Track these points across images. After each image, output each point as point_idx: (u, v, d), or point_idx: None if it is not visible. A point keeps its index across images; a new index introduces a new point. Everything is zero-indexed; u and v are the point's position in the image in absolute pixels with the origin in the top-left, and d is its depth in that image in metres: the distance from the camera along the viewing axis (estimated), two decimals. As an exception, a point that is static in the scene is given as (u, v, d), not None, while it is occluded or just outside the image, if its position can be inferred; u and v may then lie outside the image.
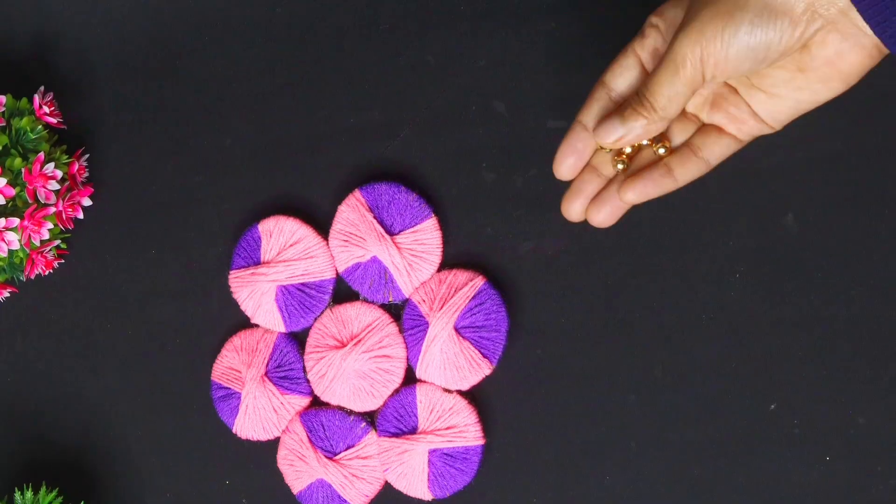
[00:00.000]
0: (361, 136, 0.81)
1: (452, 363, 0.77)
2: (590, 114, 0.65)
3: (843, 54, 0.60)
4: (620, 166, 0.65)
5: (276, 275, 0.80)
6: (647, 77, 0.63)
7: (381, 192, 0.79)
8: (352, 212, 0.79)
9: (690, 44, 0.60)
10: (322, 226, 0.81)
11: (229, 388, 0.80)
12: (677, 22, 0.63)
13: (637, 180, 0.64)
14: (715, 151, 0.65)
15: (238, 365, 0.80)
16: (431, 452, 0.77)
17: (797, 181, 0.77)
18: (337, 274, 0.80)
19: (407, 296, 0.79)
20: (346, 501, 0.79)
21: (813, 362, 0.77)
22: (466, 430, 0.77)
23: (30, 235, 0.76)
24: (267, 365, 0.80)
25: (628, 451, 0.78)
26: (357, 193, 0.79)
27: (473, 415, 0.78)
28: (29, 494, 0.76)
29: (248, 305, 0.80)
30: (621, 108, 0.63)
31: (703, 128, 0.66)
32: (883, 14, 0.58)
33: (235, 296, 0.81)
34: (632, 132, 0.63)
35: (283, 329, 0.80)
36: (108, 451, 0.82)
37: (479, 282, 0.78)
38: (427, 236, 0.79)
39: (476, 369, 0.77)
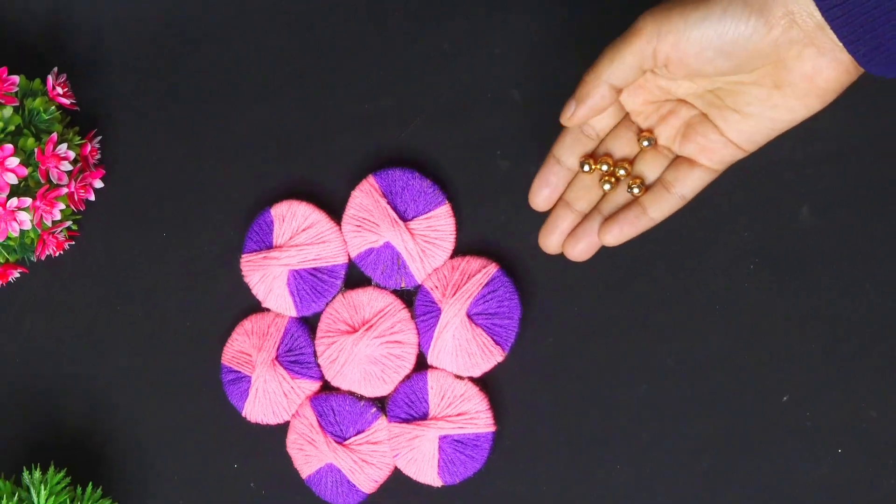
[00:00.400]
0: (375, 123, 0.80)
1: (464, 350, 0.77)
2: (563, 147, 0.67)
3: (820, 70, 0.59)
4: (607, 187, 0.66)
5: (289, 259, 0.79)
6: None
7: (395, 177, 0.79)
8: (365, 197, 0.79)
9: (651, 17, 0.60)
10: (335, 211, 0.80)
11: (239, 372, 0.80)
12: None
13: (613, 223, 0.66)
14: (688, 184, 0.66)
15: (248, 349, 0.80)
16: (442, 439, 0.77)
17: (813, 174, 0.77)
18: (349, 259, 0.80)
19: (419, 282, 0.79)
20: (355, 486, 0.78)
21: (826, 355, 0.77)
22: (477, 417, 0.77)
23: (41, 216, 0.75)
24: (278, 349, 0.80)
25: (639, 441, 0.78)
26: (371, 179, 0.79)
27: (485, 402, 0.77)
28: (37, 474, 0.76)
29: (259, 289, 0.80)
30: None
31: (675, 161, 0.66)
32: (856, 32, 0.57)
33: (247, 279, 0.80)
34: (580, 104, 0.63)
35: (294, 313, 0.80)
36: (116, 433, 0.82)
37: (492, 269, 0.78)
38: (441, 223, 0.78)
39: (488, 356, 0.77)
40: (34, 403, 0.83)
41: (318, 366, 0.80)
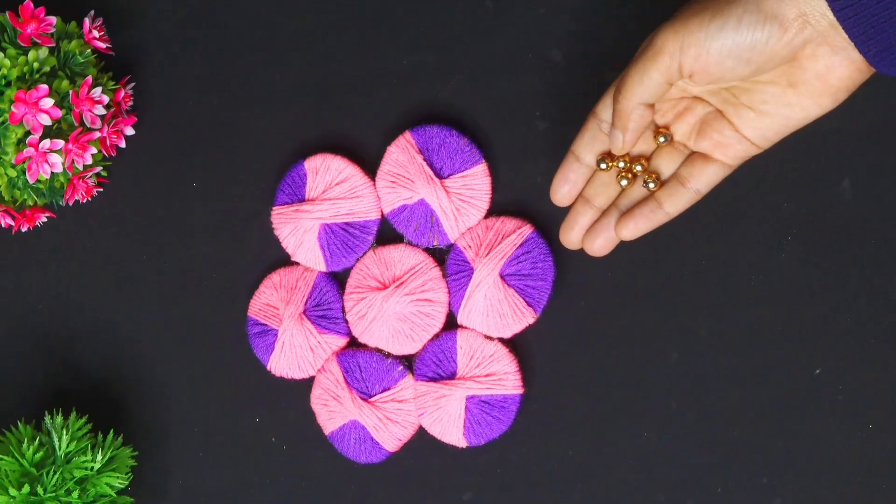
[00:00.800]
0: (414, 78, 0.79)
1: (496, 310, 0.76)
2: (582, 144, 0.68)
3: (833, 68, 0.60)
4: (624, 182, 0.68)
5: (321, 213, 0.78)
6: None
7: (432, 134, 0.78)
8: (401, 153, 0.78)
9: (672, 33, 0.61)
10: (370, 166, 0.79)
11: (266, 325, 0.79)
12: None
13: (629, 218, 0.68)
14: (702, 180, 0.66)
15: (276, 302, 0.79)
16: (469, 399, 0.77)
17: (856, 148, 0.76)
18: (382, 215, 0.79)
19: (452, 241, 0.78)
20: (378, 444, 0.78)
21: (860, 329, 0.76)
22: (506, 379, 0.76)
23: (73, 159, 0.75)
24: (306, 303, 0.79)
25: (668, 409, 0.77)
26: (407, 135, 0.78)
27: (514, 363, 0.77)
28: (59, 419, 0.75)
29: (289, 242, 0.79)
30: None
31: (690, 157, 0.67)
32: (867, 32, 0.58)
33: (277, 232, 0.80)
34: (625, 132, 0.65)
35: (323, 268, 0.79)
36: (138, 382, 0.81)
37: (527, 230, 0.77)
38: (476, 182, 0.78)
39: (520, 318, 0.76)
40: (56, 350, 0.82)
41: (346, 322, 0.79)
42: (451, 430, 0.77)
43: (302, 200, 0.79)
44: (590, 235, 0.70)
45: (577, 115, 0.77)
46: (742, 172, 0.76)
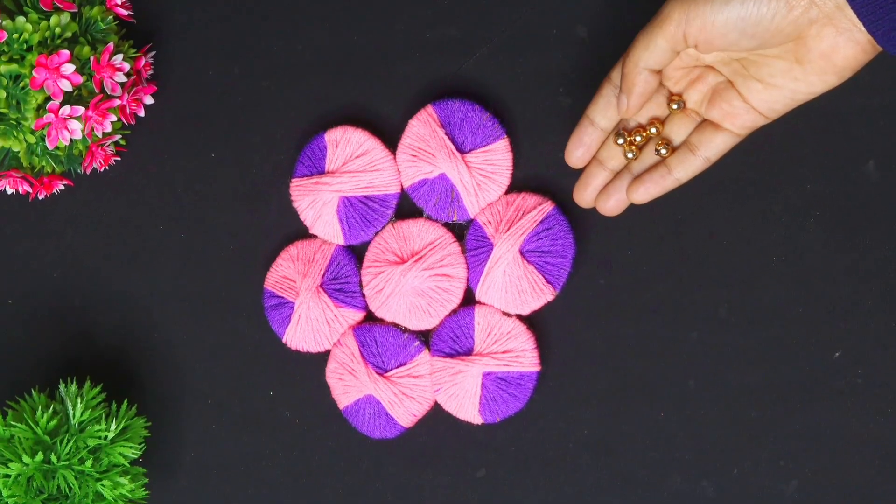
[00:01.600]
0: (437, 52, 0.79)
1: (515, 286, 0.76)
2: (597, 109, 0.69)
3: (837, 48, 0.61)
4: (630, 155, 0.70)
5: (340, 185, 0.78)
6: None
7: (454, 108, 0.77)
8: (423, 127, 0.77)
9: (679, 3, 0.63)
10: (390, 139, 0.79)
11: (282, 298, 0.79)
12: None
13: (640, 183, 0.69)
14: (712, 148, 0.68)
15: (293, 274, 0.78)
16: (485, 375, 0.76)
17: (882, 128, 0.76)
18: (402, 189, 0.79)
19: (472, 216, 0.77)
20: (393, 419, 0.77)
21: (882, 313, 0.75)
22: (523, 356, 0.76)
23: (93, 127, 0.74)
24: (323, 276, 0.78)
25: (686, 389, 0.76)
26: (429, 108, 0.77)
27: (531, 341, 0.76)
28: (73, 387, 0.75)
29: (307, 215, 0.79)
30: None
31: (701, 125, 0.68)
32: (876, 13, 0.59)
33: (295, 204, 0.79)
34: (629, 95, 0.66)
35: (341, 241, 0.79)
36: (152, 353, 0.81)
37: (547, 206, 0.76)
38: (498, 157, 0.77)
39: (539, 294, 0.76)
40: (71, 319, 0.82)
41: (363, 295, 0.78)
42: (467, 407, 0.76)
43: (321, 173, 0.79)
44: (602, 196, 0.71)
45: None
46: (766, 152, 0.76)
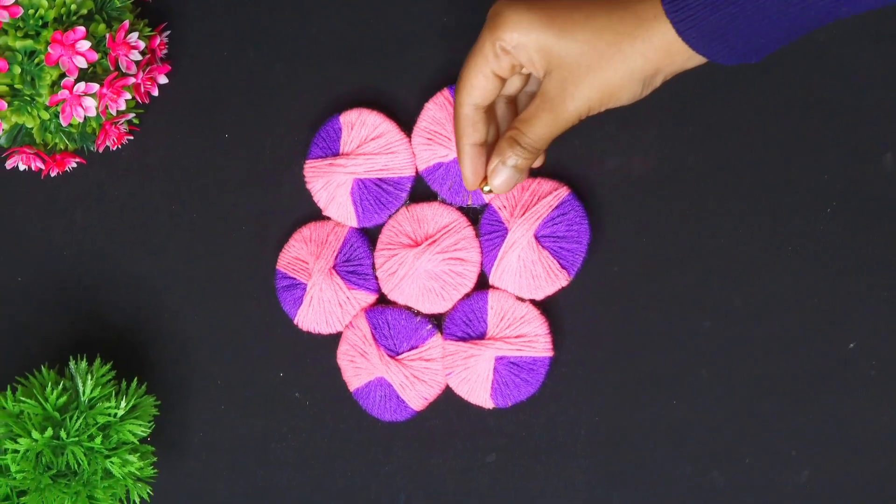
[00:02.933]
0: (454, 36, 0.78)
1: (529, 271, 0.75)
2: (465, 136, 0.67)
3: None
4: (487, 188, 0.67)
5: (355, 167, 0.77)
6: (519, 119, 0.64)
7: None
8: (439, 110, 0.77)
9: (582, 105, 0.62)
10: (406, 122, 0.78)
11: (294, 279, 0.78)
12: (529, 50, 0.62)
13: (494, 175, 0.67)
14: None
15: (306, 256, 0.78)
16: (498, 360, 0.75)
17: (899, 121, 0.76)
18: (416, 172, 0.78)
19: (487, 200, 0.77)
20: (403, 402, 0.77)
21: (896, 304, 0.75)
22: (536, 341, 0.75)
23: (107, 104, 0.74)
24: (336, 258, 0.78)
25: (698, 378, 0.76)
26: (445, 92, 0.77)
27: (545, 326, 0.76)
28: (83, 364, 0.74)
29: (321, 197, 0.78)
30: (500, 151, 0.65)
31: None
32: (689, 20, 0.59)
33: (309, 186, 0.78)
34: (517, 173, 0.66)
35: (355, 224, 0.78)
36: (162, 333, 0.80)
37: (563, 192, 0.76)
38: None
39: (553, 280, 0.75)
40: (80, 298, 0.81)
41: (376, 278, 0.78)
42: (479, 391, 0.76)
43: (336, 154, 0.78)
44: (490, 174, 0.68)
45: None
46: (783, 143, 0.75)
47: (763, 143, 0.76)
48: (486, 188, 0.67)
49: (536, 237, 0.75)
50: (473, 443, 0.78)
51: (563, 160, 0.77)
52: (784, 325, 0.75)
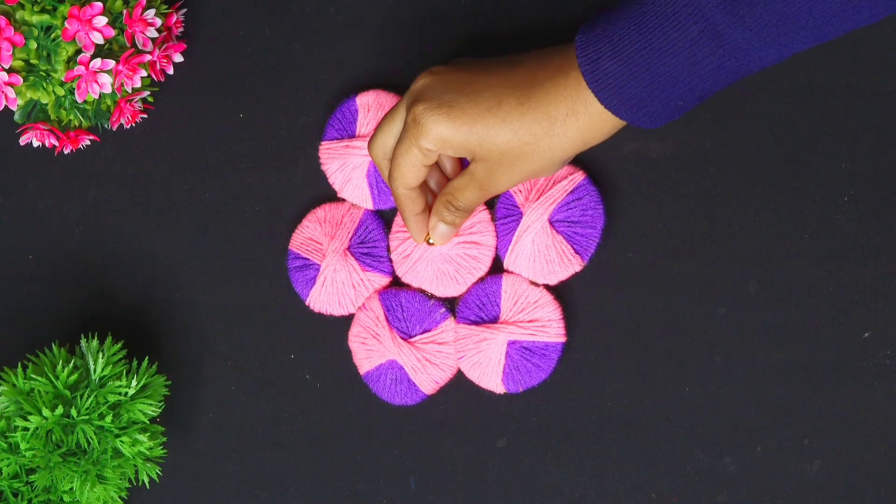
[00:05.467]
0: (470, 14, 0.77)
1: (543, 256, 0.74)
2: (408, 211, 0.72)
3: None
4: (431, 241, 0.73)
5: None
6: (451, 186, 0.69)
7: None
8: None
9: (508, 186, 0.68)
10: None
11: (308, 259, 0.77)
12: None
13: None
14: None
15: (320, 237, 0.77)
16: (510, 344, 0.75)
17: (918, 109, 0.75)
18: (432, 154, 0.77)
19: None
20: (415, 386, 0.76)
21: (913, 294, 0.74)
22: (549, 326, 0.75)
23: (122, 81, 0.73)
24: (350, 239, 0.77)
25: (712, 365, 0.75)
26: None
27: (558, 311, 0.75)
28: (94, 343, 0.74)
29: (336, 178, 0.77)
30: (437, 212, 0.72)
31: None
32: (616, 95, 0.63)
33: (324, 167, 0.77)
34: (454, 227, 0.72)
35: (370, 206, 0.77)
36: (173, 312, 0.79)
37: (578, 176, 0.75)
38: None
39: (567, 265, 0.74)
40: (92, 276, 0.80)
41: (391, 261, 0.77)
42: (490, 376, 0.75)
43: (352, 136, 0.77)
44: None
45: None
46: (801, 130, 0.75)
47: (780, 129, 0.75)
48: (431, 240, 0.73)
49: (551, 222, 0.74)
50: (484, 427, 0.77)
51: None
52: (799, 314, 0.75)
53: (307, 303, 0.77)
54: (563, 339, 0.75)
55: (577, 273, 0.75)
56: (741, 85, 0.75)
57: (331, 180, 0.77)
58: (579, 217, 0.74)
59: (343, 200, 0.78)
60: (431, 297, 0.76)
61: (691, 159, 0.75)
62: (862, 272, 0.74)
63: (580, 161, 0.76)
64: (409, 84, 0.75)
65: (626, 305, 0.76)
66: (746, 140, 0.75)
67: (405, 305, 0.76)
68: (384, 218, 0.78)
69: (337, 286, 0.76)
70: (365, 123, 0.76)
